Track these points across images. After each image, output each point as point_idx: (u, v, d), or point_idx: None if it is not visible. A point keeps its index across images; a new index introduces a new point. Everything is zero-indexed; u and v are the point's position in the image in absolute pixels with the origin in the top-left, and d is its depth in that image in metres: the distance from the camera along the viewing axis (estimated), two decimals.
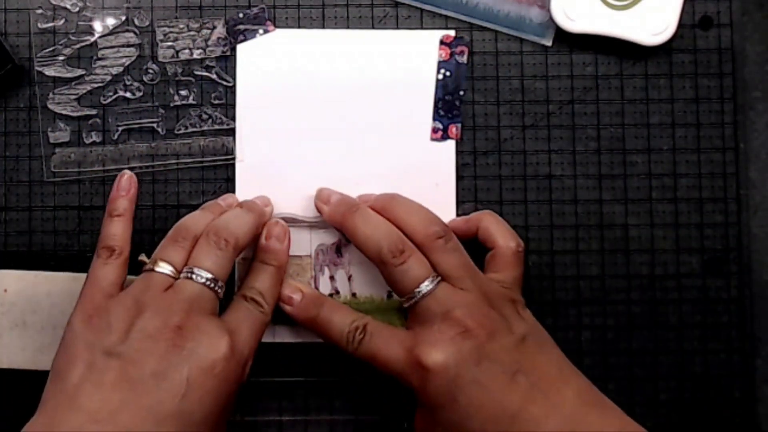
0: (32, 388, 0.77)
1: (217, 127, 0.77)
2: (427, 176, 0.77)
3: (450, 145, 0.77)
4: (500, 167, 0.78)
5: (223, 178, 0.77)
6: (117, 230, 0.69)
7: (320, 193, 0.76)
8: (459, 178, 0.78)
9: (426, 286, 0.68)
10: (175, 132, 0.77)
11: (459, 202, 0.77)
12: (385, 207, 0.72)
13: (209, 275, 0.66)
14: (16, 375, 0.76)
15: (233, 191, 0.77)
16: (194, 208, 0.76)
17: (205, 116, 0.77)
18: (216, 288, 0.66)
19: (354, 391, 0.78)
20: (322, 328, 0.71)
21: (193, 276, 0.66)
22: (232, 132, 0.77)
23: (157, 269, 0.67)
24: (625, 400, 0.76)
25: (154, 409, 0.61)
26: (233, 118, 0.77)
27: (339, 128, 0.77)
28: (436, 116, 0.77)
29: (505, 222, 0.75)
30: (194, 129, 0.77)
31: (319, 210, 0.75)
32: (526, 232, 0.78)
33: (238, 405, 0.74)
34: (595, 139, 0.78)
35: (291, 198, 0.77)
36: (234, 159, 0.77)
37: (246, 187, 0.77)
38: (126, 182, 0.70)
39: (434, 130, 0.77)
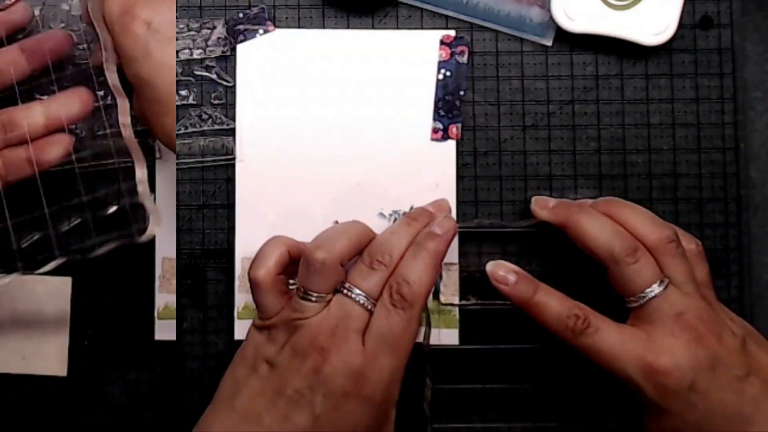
0: (31, 392, 0.77)
1: (217, 127, 0.77)
2: (427, 176, 0.77)
3: (450, 145, 0.77)
4: (500, 167, 0.78)
5: (223, 178, 0.77)
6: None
7: (537, 200, 0.76)
8: (459, 178, 0.78)
9: (657, 288, 0.67)
10: (176, 132, 0.77)
11: (459, 202, 0.77)
12: (610, 209, 0.72)
13: (362, 294, 0.67)
14: (14, 379, 0.76)
15: (233, 191, 0.77)
16: (194, 208, 0.77)
17: (205, 116, 0.77)
18: (368, 306, 0.67)
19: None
20: (537, 310, 0.70)
21: (347, 293, 0.67)
22: (232, 132, 0.77)
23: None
24: (625, 400, 0.76)
25: (291, 421, 0.65)
26: (233, 118, 0.77)
27: (339, 128, 0.77)
28: (437, 116, 0.77)
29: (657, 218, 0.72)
30: (194, 129, 0.77)
31: (536, 215, 0.75)
32: None
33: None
34: (595, 139, 0.78)
35: (291, 198, 0.77)
36: (234, 159, 0.77)
37: (246, 187, 0.77)
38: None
39: (434, 130, 0.77)
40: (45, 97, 0.72)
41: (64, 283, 0.77)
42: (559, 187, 0.78)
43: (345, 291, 0.67)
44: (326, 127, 0.77)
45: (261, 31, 0.77)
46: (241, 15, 0.77)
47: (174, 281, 0.78)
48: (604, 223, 0.70)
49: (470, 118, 0.78)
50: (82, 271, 0.77)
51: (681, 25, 0.76)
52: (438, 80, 0.77)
